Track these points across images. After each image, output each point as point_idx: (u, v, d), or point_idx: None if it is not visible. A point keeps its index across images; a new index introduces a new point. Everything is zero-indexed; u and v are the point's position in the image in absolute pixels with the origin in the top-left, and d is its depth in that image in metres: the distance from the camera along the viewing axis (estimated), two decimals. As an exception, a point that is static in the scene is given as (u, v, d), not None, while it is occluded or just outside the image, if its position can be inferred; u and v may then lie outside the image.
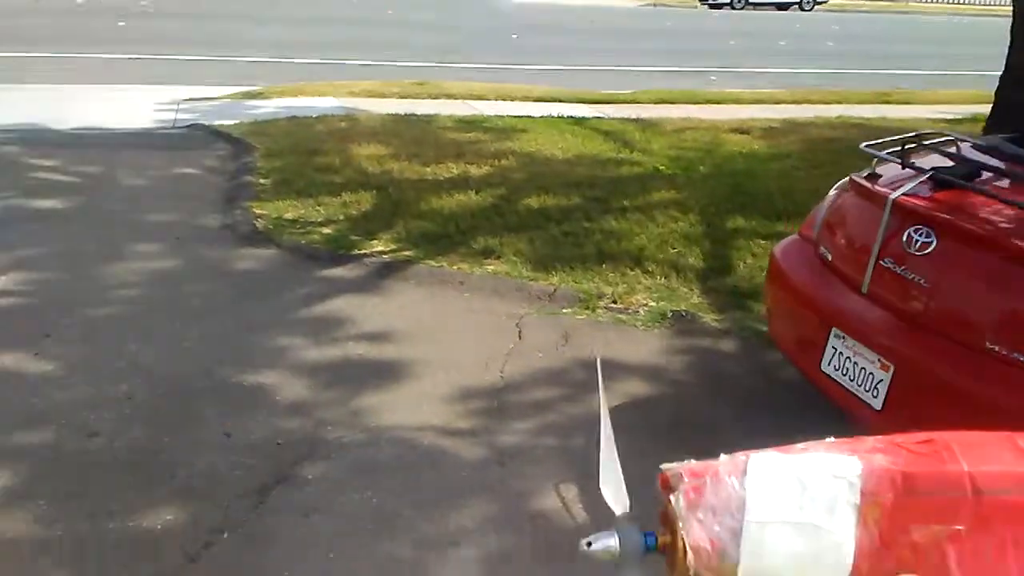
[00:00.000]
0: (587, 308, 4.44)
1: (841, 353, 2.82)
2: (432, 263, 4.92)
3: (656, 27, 25.24)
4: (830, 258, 3.08)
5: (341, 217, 5.68)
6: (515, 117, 9.15)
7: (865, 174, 3.05)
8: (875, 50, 20.41)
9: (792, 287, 3.22)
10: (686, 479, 0.37)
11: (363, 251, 5.07)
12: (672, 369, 3.91)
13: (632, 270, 4.92)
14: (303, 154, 7.09)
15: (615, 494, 0.42)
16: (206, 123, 8.46)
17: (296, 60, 13.61)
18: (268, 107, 9.48)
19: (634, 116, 9.58)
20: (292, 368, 3.69)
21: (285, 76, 11.59)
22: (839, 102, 11.56)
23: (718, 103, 11.38)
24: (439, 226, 5.46)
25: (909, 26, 30.10)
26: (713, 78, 14.66)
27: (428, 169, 6.79)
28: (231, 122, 8.46)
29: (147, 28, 16.89)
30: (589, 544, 0.40)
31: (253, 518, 2.73)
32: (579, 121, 9.17)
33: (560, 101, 10.81)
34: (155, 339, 3.88)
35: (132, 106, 9.18)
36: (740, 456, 0.38)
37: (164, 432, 3.16)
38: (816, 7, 35.10)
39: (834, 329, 2.86)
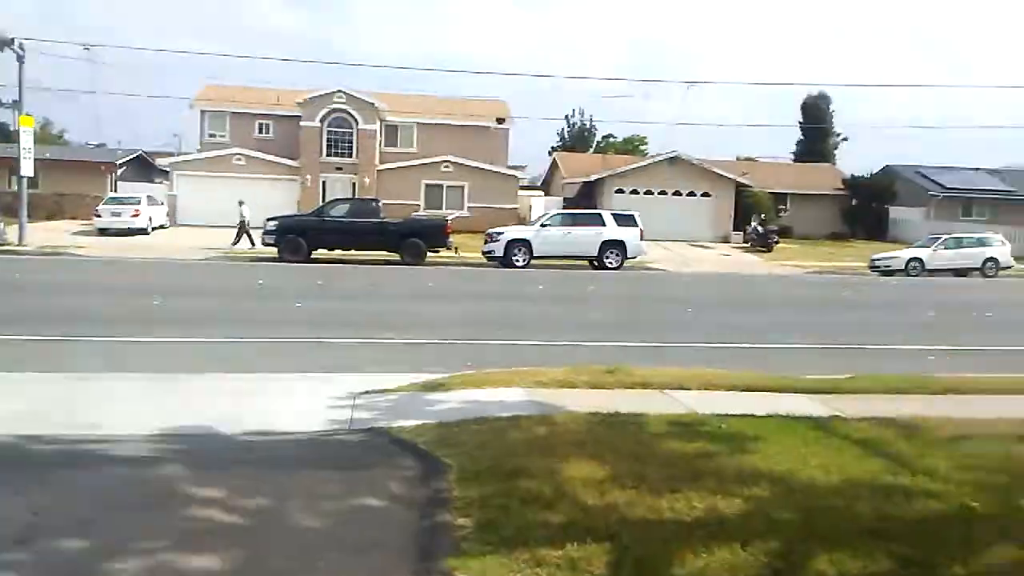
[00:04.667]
0: None
1: None
2: None
3: (833, 296, 23.97)
4: None
5: (571, 586, 4.26)
6: (738, 417, 7.72)
7: None
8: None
9: None
10: None
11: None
12: None
13: None
14: (504, 477, 5.82)
15: None
16: (386, 425, 7.46)
17: (460, 341, 13.03)
18: (451, 401, 8.48)
19: (879, 415, 7.97)
20: None
21: (456, 356, 11.08)
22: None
23: (959, 392, 9.64)
24: (712, 609, 3.94)
25: None
26: (931, 357, 12.98)
27: (663, 503, 5.34)
28: (413, 423, 7.44)
29: (323, 309, 17.00)
30: None
31: None
32: (817, 424, 7.64)
33: (772, 391, 9.44)
34: None
35: (308, 401, 8.41)
36: None
37: None
38: (1000, 272, 32.98)
39: None
